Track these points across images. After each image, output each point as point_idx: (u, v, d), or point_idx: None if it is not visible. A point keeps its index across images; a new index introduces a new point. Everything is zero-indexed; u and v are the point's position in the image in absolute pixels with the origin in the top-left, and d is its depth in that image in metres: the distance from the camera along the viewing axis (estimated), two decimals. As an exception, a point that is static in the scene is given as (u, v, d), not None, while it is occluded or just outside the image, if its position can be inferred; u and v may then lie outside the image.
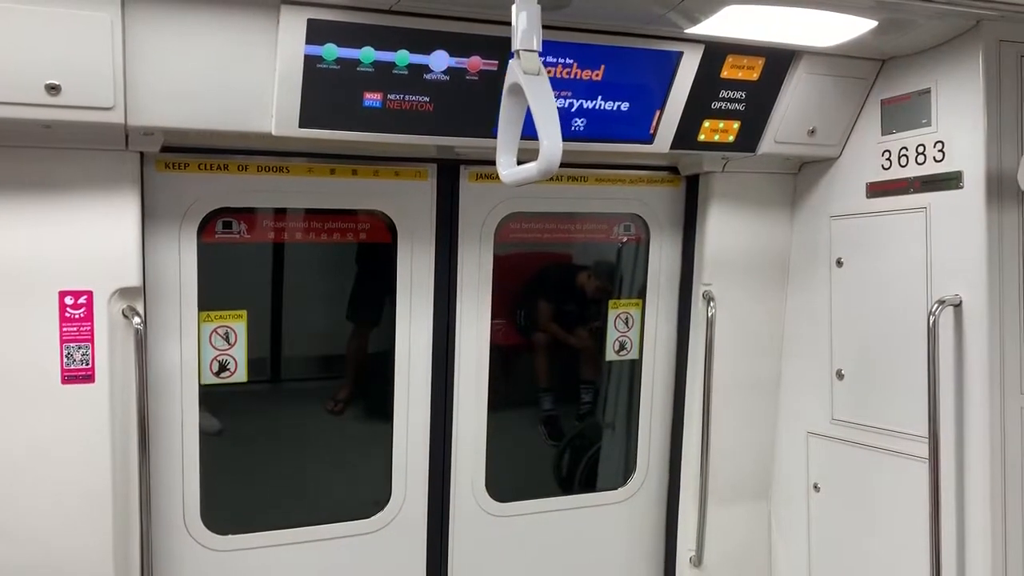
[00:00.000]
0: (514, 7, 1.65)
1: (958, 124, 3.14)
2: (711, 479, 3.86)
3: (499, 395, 3.84)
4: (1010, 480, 3.10)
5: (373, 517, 3.65)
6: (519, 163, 1.66)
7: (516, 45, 1.63)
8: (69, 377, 2.89)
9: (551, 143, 1.53)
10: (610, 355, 4.12)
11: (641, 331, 4.08)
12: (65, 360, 2.88)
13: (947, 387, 3.15)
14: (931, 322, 3.11)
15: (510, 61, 1.64)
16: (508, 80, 1.66)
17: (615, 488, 4.14)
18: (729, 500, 3.95)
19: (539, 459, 4.32)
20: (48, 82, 2.49)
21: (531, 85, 1.59)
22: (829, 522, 3.77)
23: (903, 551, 3.38)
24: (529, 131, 1.62)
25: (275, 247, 3.57)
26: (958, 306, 3.13)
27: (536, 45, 1.62)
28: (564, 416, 4.39)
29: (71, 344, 2.89)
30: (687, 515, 4.02)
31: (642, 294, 4.06)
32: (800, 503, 3.90)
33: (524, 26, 1.63)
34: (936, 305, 3.13)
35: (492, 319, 3.77)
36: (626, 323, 4.09)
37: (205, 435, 3.37)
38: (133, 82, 2.59)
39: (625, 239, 4.10)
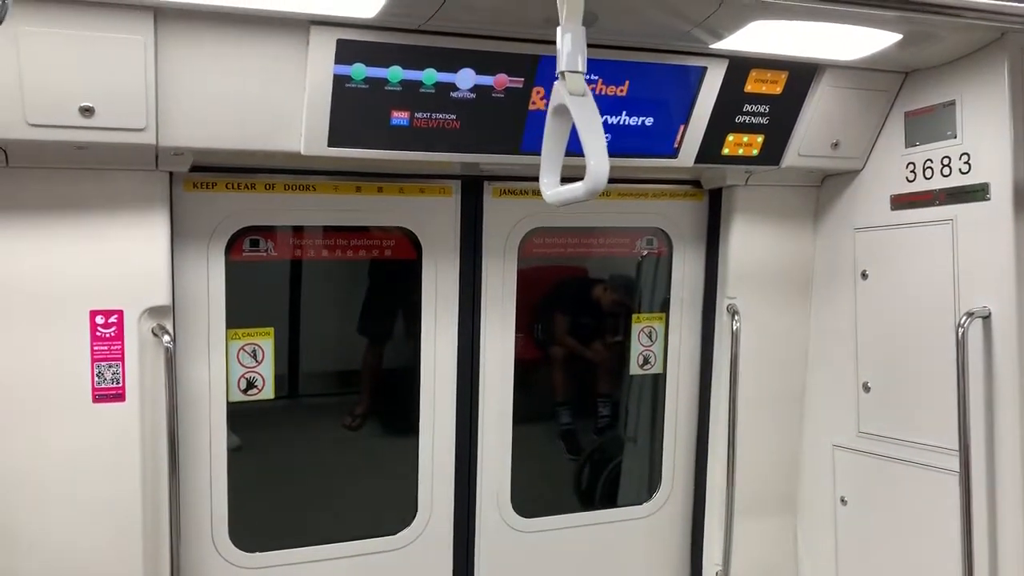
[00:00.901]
0: (559, 28, 1.66)
1: (984, 136, 3.13)
2: (737, 493, 3.85)
3: (524, 409, 3.84)
4: (1043, 493, 3.08)
5: (400, 533, 3.66)
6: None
7: (561, 67, 1.63)
8: (100, 396, 2.92)
9: (598, 163, 1.53)
10: (634, 369, 4.12)
11: (665, 345, 4.08)
12: (96, 379, 2.91)
13: (977, 399, 3.14)
14: (960, 334, 3.10)
15: (555, 83, 1.65)
16: (553, 101, 1.67)
17: (640, 503, 4.13)
18: (755, 514, 3.93)
19: (564, 474, 4.31)
20: (82, 104, 2.51)
21: (577, 106, 1.60)
22: (857, 536, 3.75)
23: (933, 567, 3.35)
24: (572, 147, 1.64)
25: (301, 264, 3.58)
26: (987, 318, 3.12)
27: (581, 66, 1.63)
28: (583, 430, 4.37)
29: (102, 363, 2.91)
30: (713, 530, 4.00)
31: (665, 308, 4.06)
32: (827, 517, 3.87)
33: (569, 48, 1.64)
34: (964, 317, 3.12)
35: (520, 333, 3.78)
36: (650, 337, 4.09)
37: (235, 452, 3.39)
38: (165, 103, 2.62)
39: (647, 253, 4.11)
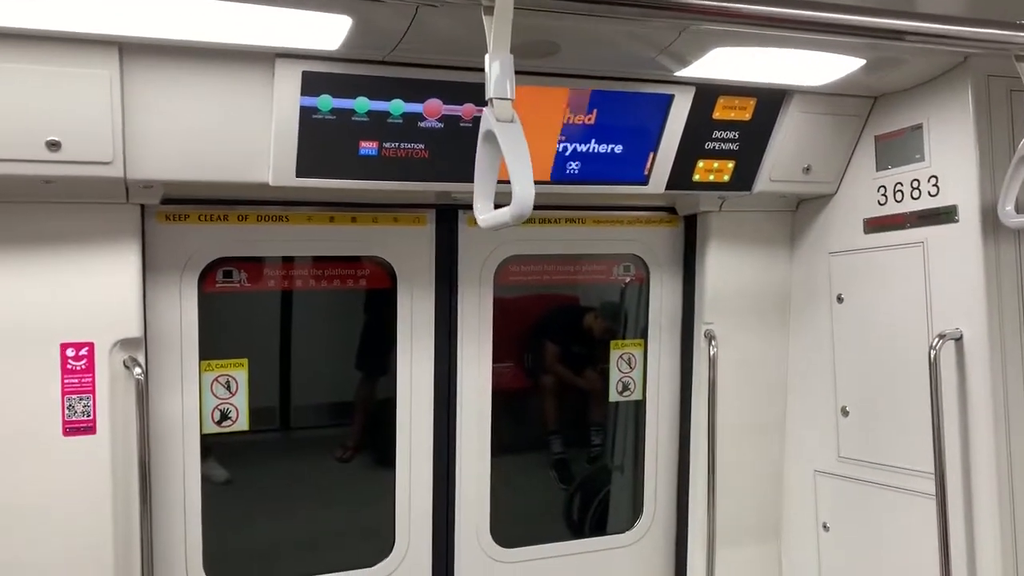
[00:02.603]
0: (487, 56, 1.69)
1: (951, 158, 3.15)
2: (719, 520, 3.82)
3: (503, 438, 3.82)
4: (1019, 513, 3.06)
5: (377, 565, 3.62)
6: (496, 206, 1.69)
7: (490, 93, 1.66)
8: (70, 429, 2.91)
9: (522, 189, 1.55)
10: (613, 396, 4.11)
11: (644, 371, 4.08)
12: (67, 412, 2.90)
13: (951, 422, 3.13)
14: (932, 356, 3.10)
15: (484, 109, 1.68)
16: (482, 128, 1.70)
17: (622, 532, 4.10)
18: (738, 542, 3.90)
19: (546, 503, 4.28)
20: (48, 139, 2.53)
21: (504, 132, 1.62)
22: (840, 562, 3.71)
23: (915, 591, 3.32)
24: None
25: (275, 295, 3.59)
26: (959, 340, 3.12)
27: (509, 93, 1.65)
28: (572, 459, 4.36)
29: (72, 396, 2.91)
30: (696, 558, 3.96)
31: (644, 334, 4.06)
32: (810, 543, 3.84)
33: (497, 74, 1.67)
34: (937, 339, 3.12)
35: (497, 362, 3.77)
36: (629, 364, 4.08)
37: (211, 484, 3.37)
38: (132, 137, 2.64)
39: (628, 280, 4.12)
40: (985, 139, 3.06)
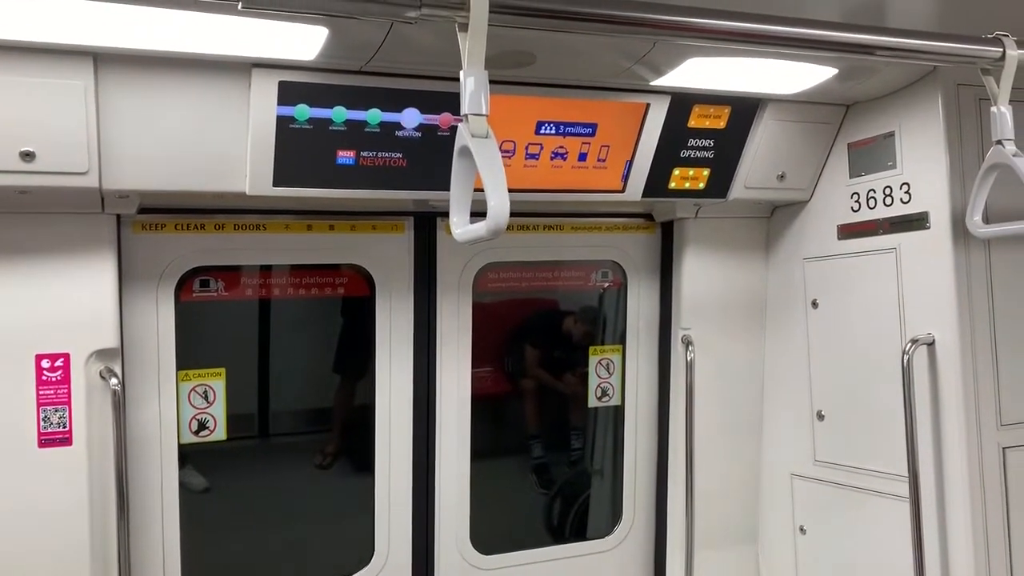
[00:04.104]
0: (462, 72, 1.71)
1: (922, 166, 3.20)
2: (697, 524, 3.85)
3: (483, 444, 3.83)
4: (991, 516, 3.10)
5: (357, 574, 3.62)
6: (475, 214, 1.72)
7: (465, 109, 1.68)
8: (46, 440, 2.89)
9: (498, 204, 1.57)
10: (592, 402, 4.13)
11: (622, 377, 4.10)
12: (42, 423, 2.88)
13: (924, 425, 3.17)
14: (905, 361, 3.14)
15: (459, 125, 1.69)
16: (458, 143, 1.71)
17: (602, 537, 4.12)
18: (717, 545, 3.93)
19: (526, 509, 4.30)
20: (22, 149, 2.52)
21: (479, 147, 1.64)
22: (817, 565, 3.75)
23: (890, 593, 3.36)
24: None
25: (253, 304, 3.58)
26: (931, 344, 3.16)
27: (484, 109, 1.67)
28: (552, 464, 4.37)
29: (48, 407, 2.89)
30: (675, 561, 3.99)
31: (622, 340, 4.08)
32: (787, 546, 3.88)
33: (472, 89, 1.68)
34: (909, 344, 3.16)
35: (478, 367, 3.78)
36: (607, 369, 4.11)
37: (190, 493, 3.36)
38: (107, 147, 2.63)
39: (606, 285, 4.14)
40: (955, 147, 3.11)
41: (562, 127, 3.14)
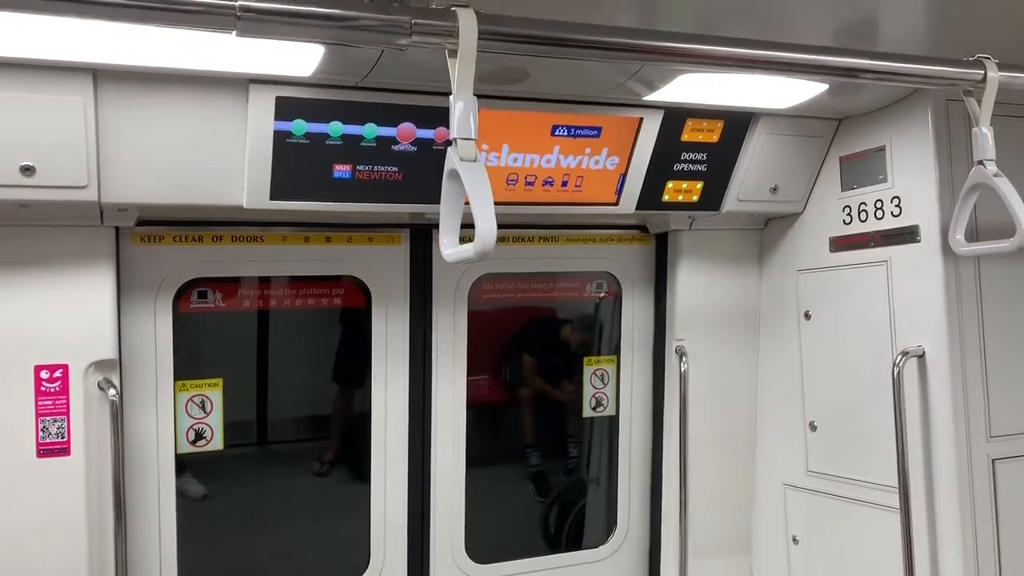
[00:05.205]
0: (451, 98, 1.74)
1: (912, 180, 3.24)
2: (691, 534, 3.87)
3: (478, 454, 3.86)
4: (981, 527, 3.13)
5: (353, 583, 3.66)
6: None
7: (453, 133, 1.71)
8: (45, 450, 2.91)
9: (485, 225, 1.61)
10: (587, 412, 4.16)
11: (617, 387, 4.13)
12: (41, 434, 2.91)
13: (914, 437, 3.20)
14: (895, 373, 3.17)
15: (448, 149, 1.73)
16: (447, 166, 1.75)
17: (596, 546, 4.14)
18: (710, 555, 3.95)
19: (521, 518, 4.32)
20: (23, 163, 2.55)
21: (468, 171, 1.67)
22: (809, 575, 3.77)
23: (881, 603, 3.38)
24: None
25: (250, 315, 3.61)
26: (921, 357, 3.19)
27: (473, 133, 1.71)
28: (550, 472, 4.39)
29: (47, 418, 2.91)
30: (669, 571, 4.01)
31: (617, 350, 4.11)
32: (780, 556, 3.90)
33: (460, 114, 1.72)
34: (900, 356, 3.19)
35: (474, 375, 3.81)
36: (602, 379, 4.14)
37: (188, 501, 3.39)
38: (106, 161, 2.66)
39: (601, 296, 4.17)
40: (944, 161, 3.15)
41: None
